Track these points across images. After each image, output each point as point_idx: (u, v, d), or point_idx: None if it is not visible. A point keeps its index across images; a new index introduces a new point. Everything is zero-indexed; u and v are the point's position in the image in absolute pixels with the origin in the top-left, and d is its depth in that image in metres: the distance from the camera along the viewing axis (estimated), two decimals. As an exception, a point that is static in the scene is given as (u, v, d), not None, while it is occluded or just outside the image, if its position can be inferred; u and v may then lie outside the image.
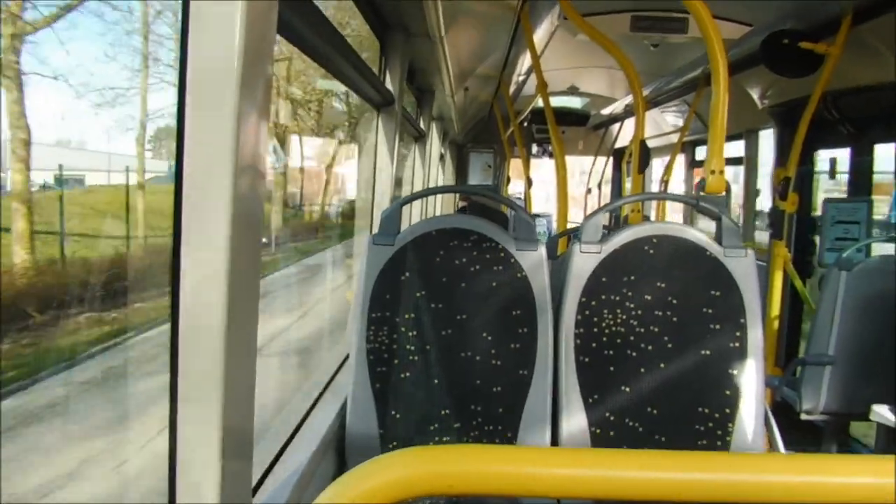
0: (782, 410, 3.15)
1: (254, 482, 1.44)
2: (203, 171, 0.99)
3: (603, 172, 8.99)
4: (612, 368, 2.11)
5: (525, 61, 5.01)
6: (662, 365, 2.09)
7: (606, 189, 9.37)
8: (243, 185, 1.01)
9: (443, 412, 2.09)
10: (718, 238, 2.13)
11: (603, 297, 2.13)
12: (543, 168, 10.18)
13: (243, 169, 1.01)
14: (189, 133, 0.99)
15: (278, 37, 1.30)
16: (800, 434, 3.30)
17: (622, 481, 0.69)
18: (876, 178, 4.07)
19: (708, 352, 2.08)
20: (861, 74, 3.53)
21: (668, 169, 6.09)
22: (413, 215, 5.18)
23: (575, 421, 2.10)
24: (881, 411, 2.91)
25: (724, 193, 2.25)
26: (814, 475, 0.68)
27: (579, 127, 8.89)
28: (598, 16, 3.90)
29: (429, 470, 0.70)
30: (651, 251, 2.13)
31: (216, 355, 1.01)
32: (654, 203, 6.78)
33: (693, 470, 0.69)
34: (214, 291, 1.00)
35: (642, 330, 2.11)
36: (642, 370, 2.10)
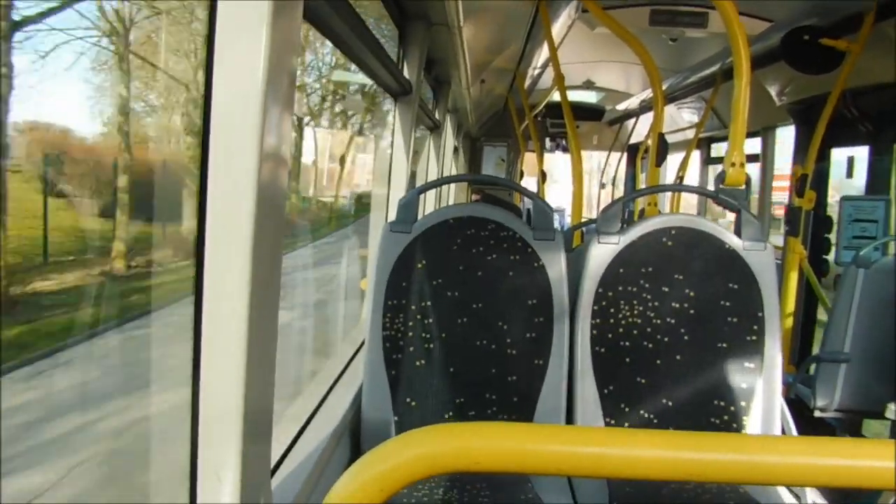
0: (796, 407, 3.14)
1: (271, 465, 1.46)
2: (228, 159, 1.00)
3: (617, 168, 8.96)
4: (627, 359, 2.10)
5: (542, 54, 5.00)
6: (678, 357, 2.09)
7: (619, 186, 9.34)
8: (267, 173, 1.02)
9: (458, 400, 2.10)
10: (737, 231, 2.13)
11: (620, 288, 2.12)
12: (552, 163, 10.15)
13: (268, 157, 1.02)
14: (215, 118, 1.00)
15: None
16: (813, 431, 3.29)
17: (643, 460, 0.69)
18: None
19: (725, 345, 2.08)
20: (882, 72, 3.49)
21: (683, 165, 6.06)
22: (427, 208, 5.17)
23: (590, 411, 2.10)
24: None
25: (743, 186, 2.24)
26: (815, 457, 0.69)
27: (594, 122, 8.86)
28: (617, 9, 3.88)
29: (456, 447, 0.70)
30: (669, 243, 2.13)
31: (238, 339, 1.02)
32: (667, 201, 6.75)
33: (702, 450, 0.69)
34: (237, 277, 1.01)
35: (659, 321, 2.10)
36: (658, 362, 2.09)
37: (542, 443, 0.70)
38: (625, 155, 8.98)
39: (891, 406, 2.92)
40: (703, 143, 6.83)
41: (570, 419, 2.13)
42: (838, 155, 4.43)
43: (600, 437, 0.72)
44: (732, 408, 2.07)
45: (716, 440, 0.70)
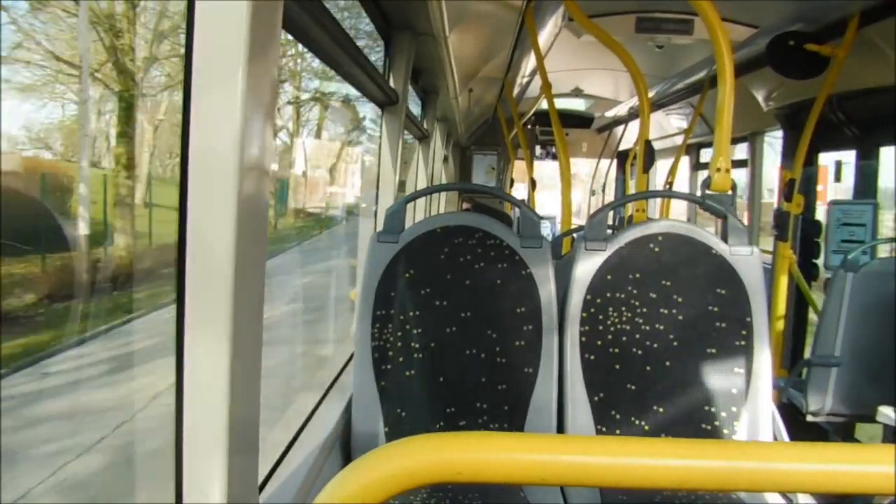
0: (788, 412, 3.13)
1: (260, 479, 1.44)
2: (208, 168, 0.99)
3: (606, 175, 9.00)
4: (617, 367, 2.10)
5: (529, 63, 5.02)
6: (668, 363, 2.08)
7: (610, 193, 9.38)
8: (249, 182, 1.01)
9: (448, 410, 2.08)
10: (724, 236, 2.13)
11: (608, 295, 2.12)
12: (544, 170, 10.18)
13: (249, 166, 1.01)
14: (194, 128, 0.99)
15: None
16: (805, 435, 3.29)
17: (629, 469, 0.69)
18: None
19: (714, 350, 2.07)
20: (867, 77, 3.52)
21: (672, 171, 6.09)
22: (416, 218, 5.17)
23: (580, 419, 2.09)
24: (888, 412, 2.90)
25: (729, 192, 2.25)
26: (814, 463, 0.68)
27: (583, 129, 8.90)
28: (604, 17, 3.90)
29: (437, 458, 0.69)
30: (657, 249, 2.13)
31: (222, 352, 1.01)
32: (657, 207, 6.77)
33: (696, 457, 0.68)
34: (220, 288, 1.00)
35: (648, 328, 2.10)
36: (648, 368, 2.09)
37: (529, 452, 0.70)
38: (614, 161, 9.02)
39: (881, 410, 2.92)
40: (692, 149, 6.86)
41: (560, 427, 2.11)
42: (827, 159, 4.46)
43: (586, 446, 0.71)
44: (723, 413, 2.06)
45: (711, 447, 0.69)
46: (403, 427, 2.08)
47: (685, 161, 6.82)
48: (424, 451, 0.70)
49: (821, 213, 4.24)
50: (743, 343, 2.07)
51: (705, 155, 6.92)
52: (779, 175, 4.50)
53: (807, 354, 4.30)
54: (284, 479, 1.61)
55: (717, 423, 2.06)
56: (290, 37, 1.70)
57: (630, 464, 0.68)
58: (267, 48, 1.04)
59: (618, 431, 2.08)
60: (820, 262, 4.23)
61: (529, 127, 8.33)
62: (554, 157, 8.98)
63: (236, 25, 0.96)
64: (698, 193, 2.33)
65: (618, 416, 2.08)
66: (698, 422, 2.07)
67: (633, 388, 2.09)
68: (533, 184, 6.48)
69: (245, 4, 0.96)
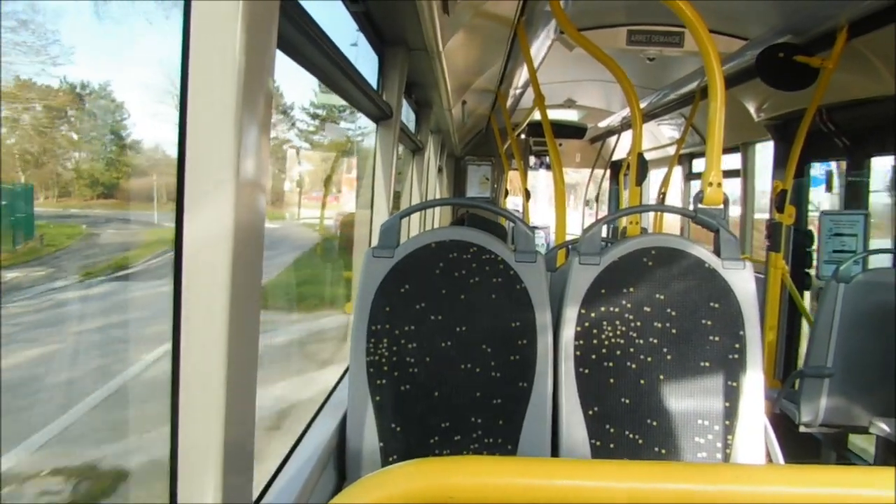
0: (781, 423, 3.14)
1: (255, 495, 1.44)
2: (205, 188, 0.99)
3: (600, 185, 9.03)
4: (611, 380, 2.10)
5: (522, 75, 5.04)
6: (662, 377, 2.09)
7: (604, 203, 9.41)
8: (245, 199, 1.02)
9: (443, 425, 2.09)
10: (717, 250, 2.14)
11: (602, 308, 2.12)
12: (539, 179, 10.21)
13: (245, 184, 1.01)
14: (190, 150, 1.00)
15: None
16: (798, 447, 3.29)
17: (622, 492, 0.69)
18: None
19: (707, 363, 2.08)
20: (856, 88, 3.55)
21: (665, 181, 6.11)
22: (412, 229, 5.18)
23: (575, 433, 2.09)
24: (881, 424, 2.91)
25: (721, 206, 2.26)
26: (814, 486, 0.68)
27: (576, 140, 8.93)
28: (595, 30, 3.93)
29: (429, 482, 0.70)
30: (650, 263, 2.14)
31: (218, 368, 1.01)
32: (651, 217, 6.80)
33: (693, 481, 0.69)
34: (216, 304, 1.00)
35: (641, 342, 2.10)
36: (642, 382, 2.09)
37: (520, 476, 0.70)
38: (608, 172, 9.05)
39: (874, 422, 2.93)
40: (685, 159, 6.89)
41: (555, 442, 2.12)
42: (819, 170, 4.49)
43: (577, 470, 0.71)
44: (716, 427, 2.07)
45: (707, 471, 0.70)
46: (398, 442, 2.08)
47: (678, 170, 6.86)
48: (417, 477, 0.70)
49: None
50: (736, 356, 2.08)
51: (697, 165, 6.95)
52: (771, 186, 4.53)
53: (800, 365, 4.31)
54: (279, 496, 1.61)
55: (710, 436, 2.07)
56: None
57: (622, 488, 0.69)
58: (262, 67, 1.05)
59: (612, 445, 2.08)
60: (813, 272, 4.25)
61: (523, 137, 8.35)
62: (548, 167, 9.01)
63: (231, 46, 0.97)
64: (690, 206, 2.34)
65: (612, 430, 2.09)
66: (692, 435, 2.07)
67: (628, 401, 2.09)
68: (527, 195, 6.50)
69: (240, 23, 0.97)
